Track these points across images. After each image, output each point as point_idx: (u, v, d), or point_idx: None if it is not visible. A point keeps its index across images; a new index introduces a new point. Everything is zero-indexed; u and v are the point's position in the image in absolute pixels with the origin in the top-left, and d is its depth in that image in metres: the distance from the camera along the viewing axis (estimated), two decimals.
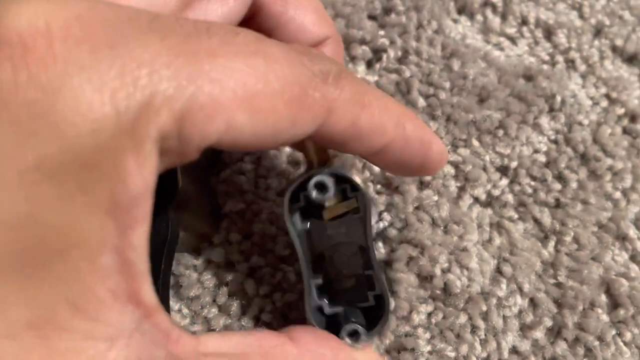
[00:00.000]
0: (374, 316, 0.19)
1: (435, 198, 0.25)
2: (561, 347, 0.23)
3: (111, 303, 0.12)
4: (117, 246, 0.12)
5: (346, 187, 0.19)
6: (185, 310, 0.23)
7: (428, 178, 0.25)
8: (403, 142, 0.18)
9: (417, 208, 0.25)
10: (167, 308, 0.22)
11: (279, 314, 0.23)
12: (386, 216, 0.24)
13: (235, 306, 0.23)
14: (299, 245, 0.20)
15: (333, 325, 0.19)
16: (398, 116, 0.17)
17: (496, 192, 0.25)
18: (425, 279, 0.23)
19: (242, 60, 0.13)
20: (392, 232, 0.24)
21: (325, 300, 0.20)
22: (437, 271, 0.23)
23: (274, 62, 0.14)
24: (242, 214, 0.25)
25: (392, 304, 0.22)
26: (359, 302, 0.20)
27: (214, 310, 0.23)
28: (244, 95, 0.13)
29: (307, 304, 0.19)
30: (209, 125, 0.13)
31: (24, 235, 0.12)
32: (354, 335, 0.19)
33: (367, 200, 0.19)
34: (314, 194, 0.18)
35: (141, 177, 0.12)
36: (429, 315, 0.23)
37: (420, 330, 0.22)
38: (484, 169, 0.26)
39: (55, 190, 0.12)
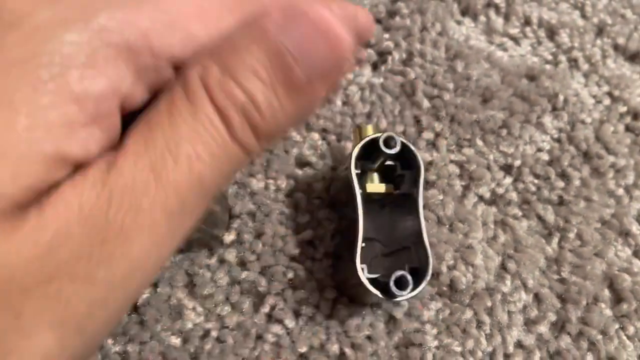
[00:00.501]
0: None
1: (441, 197, 0.25)
2: (565, 341, 0.23)
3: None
4: None
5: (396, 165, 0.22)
6: (199, 308, 0.24)
7: (433, 177, 0.26)
8: None
9: (423, 206, 0.25)
10: None
11: (291, 310, 0.24)
12: None
13: (247, 304, 0.24)
14: (359, 201, 0.21)
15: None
16: None
17: (500, 191, 0.26)
18: (432, 276, 0.24)
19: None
20: None
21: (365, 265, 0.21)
22: (444, 268, 0.23)
23: None
24: (252, 215, 0.25)
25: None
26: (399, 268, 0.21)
27: (227, 307, 0.24)
28: (195, 11, 0.14)
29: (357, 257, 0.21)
30: (172, 36, 0.13)
31: None
32: (400, 282, 0.20)
33: (420, 176, 0.22)
34: (382, 147, 0.21)
35: None
36: (437, 311, 0.23)
37: (428, 326, 0.23)
38: (488, 167, 0.26)
39: None
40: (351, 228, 0.22)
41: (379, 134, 0.22)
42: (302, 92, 0.13)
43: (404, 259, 0.21)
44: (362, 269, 0.21)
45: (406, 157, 0.22)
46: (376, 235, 0.23)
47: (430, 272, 0.20)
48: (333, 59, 0.14)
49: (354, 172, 0.22)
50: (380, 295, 0.20)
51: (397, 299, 0.20)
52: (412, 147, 0.22)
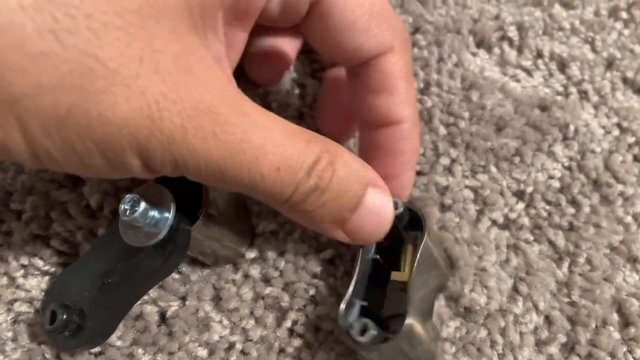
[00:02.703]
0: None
1: (457, 220, 0.27)
2: None
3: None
4: None
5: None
6: (225, 322, 0.25)
7: (449, 201, 0.27)
8: (404, 135, 0.23)
9: (440, 228, 0.26)
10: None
11: (312, 325, 0.25)
12: None
13: (271, 318, 0.25)
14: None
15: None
16: (415, 115, 0.24)
17: (513, 216, 0.27)
18: (452, 299, 0.25)
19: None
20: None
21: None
22: (466, 290, 0.25)
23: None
24: (276, 234, 0.27)
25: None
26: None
27: (252, 321, 0.25)
28: None
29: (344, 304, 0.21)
30: None
31: None
32: (364, 331, 0.20)
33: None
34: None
35: None
36: (455, 329, 0.24)
37: (447, 345, 0.24)
38: (502, 193, 0.28)
39: None
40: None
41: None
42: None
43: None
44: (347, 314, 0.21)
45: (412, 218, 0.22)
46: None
47: (399, 334, 0.20)
48: (377, 234, 0.21)
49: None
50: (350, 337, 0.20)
51: (359, 347, 0.20)
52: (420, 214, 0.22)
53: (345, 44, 0.21)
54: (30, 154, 0.15)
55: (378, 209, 0.20)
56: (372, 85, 0.22)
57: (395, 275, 0.22)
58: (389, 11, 0.21)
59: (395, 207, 0.21)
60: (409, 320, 0.20)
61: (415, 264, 0.21)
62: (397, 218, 0.21)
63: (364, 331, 0.20)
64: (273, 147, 0.17)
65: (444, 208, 0.27)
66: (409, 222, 0.22)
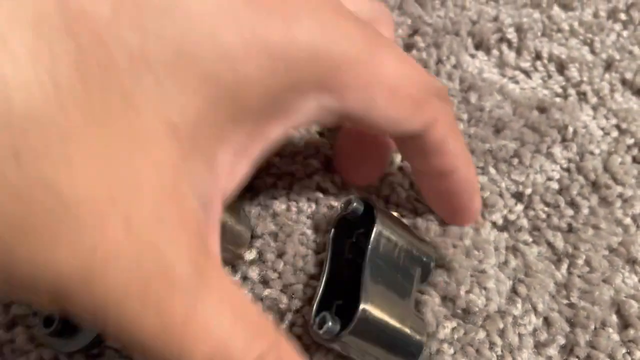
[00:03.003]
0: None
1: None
2: None
3: None
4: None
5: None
6: None
7: None
8: (461, 178, 0.23)
9: (443, 232, 0.26)
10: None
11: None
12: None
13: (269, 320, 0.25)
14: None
15: None
16: (468, 155, 0.23)
17: (512, 217, 0.27)
18: (449, 299, 0.25)
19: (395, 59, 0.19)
20: None
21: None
22: (462, 292, 0.25)
23: (413, 67, 0.19)
24: (275, 235, 0.27)
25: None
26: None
27: None
28: (389, 84, 0.18)
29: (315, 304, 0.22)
30: (362, 96, 0.18)
31: None
32: (322, 322, 0.21)
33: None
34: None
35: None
36: (452, 330, 0.24)
37: (445, 346, 0.24)
38: (500, 195, 0.28)
39: None
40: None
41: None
42: None
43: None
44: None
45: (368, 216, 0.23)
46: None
47: (355, 321, 0.21)
48: None
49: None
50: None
51: (320, 338, 0.21)
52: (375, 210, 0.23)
53: (391, 134, 0.21)
54: None
55: None
56: (421, 152, 0.22)
57: None
58: (422, 81, 0.20)
59: (349, 203, 0.23)
60: (363, 306, 0.21)
61: (368, 252, 0.22)
62: (353, 212, 0.23)
63: (322, 324, 0.21)
64: (214, 334, 0.15)
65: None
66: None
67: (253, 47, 0.15)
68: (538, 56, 0.32)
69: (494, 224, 0.27)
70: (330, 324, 0.21)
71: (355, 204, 0.23)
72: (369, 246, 0.22)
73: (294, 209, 0.27)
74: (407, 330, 0.22)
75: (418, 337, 0.23)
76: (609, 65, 0.32)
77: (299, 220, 0.27)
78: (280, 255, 0.26)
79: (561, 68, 0.32)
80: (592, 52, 0.32)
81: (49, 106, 0.11)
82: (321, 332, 0.21)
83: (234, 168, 0.17)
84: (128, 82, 0.13)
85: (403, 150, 0.24)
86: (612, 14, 0.33)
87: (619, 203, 0.28)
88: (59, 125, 0.11)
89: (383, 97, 0.18)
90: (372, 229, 0.23)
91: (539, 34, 0.33)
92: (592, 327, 0.24)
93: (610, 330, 0.24)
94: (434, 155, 0.22)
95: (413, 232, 0.25)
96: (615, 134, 0.30)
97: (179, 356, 0.14)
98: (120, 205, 0.12)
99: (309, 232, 0.26)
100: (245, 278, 0.26)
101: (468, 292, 0.25)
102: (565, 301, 0.25)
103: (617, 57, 0.32)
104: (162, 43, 0.13)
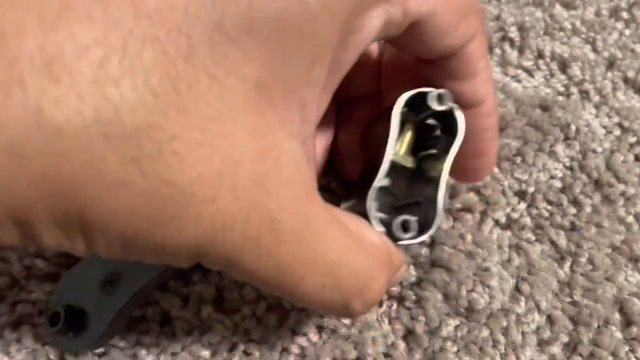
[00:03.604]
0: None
1: (460, 224, 0.27)
2: None
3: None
4: None
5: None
6: (227, 322, 0.25)
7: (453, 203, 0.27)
8: (488, 111, 0.23)
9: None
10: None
11: (314, 325, 0.25)
12: None
13: (273, 319, 0.25)
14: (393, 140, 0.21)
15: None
16: (494, 85, 0.23)
17: (515, 215, 0.27)
18: (450, 297, 0.25)
19: None
20: (422, 250, 0.26)
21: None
22: (463, 291, 0.25)
23: None
24: None
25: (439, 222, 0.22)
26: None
27: (254, 322, 0.25)
28: None
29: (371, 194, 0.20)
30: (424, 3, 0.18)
31: None
32: (405, 225, 0.20)
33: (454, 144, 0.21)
34: (433, 104, 0.20)
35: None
36: (456, 328, 0.24)
37: (449, 344, 0.24)
38: (504, 193, 0.28)
39: None
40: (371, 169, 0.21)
41: (430, 89, 0.20)
42: None
43: (413, 212, 0.21)
44: (372, 205, 0.20)
45: (447, 121, 0.21)
46: (392, 186, 0.22)
47: (436, 224, 0.20)
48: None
49: (396, 118, 0.20)
50: (385, 230, 0.20)
51: (400, 242, 0.20)
52: (457, 113, 0.21)
53: (435, 49, 0.21)
54: (88, 254, 0.15)
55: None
56: (455, 73, 0.22)
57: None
58: None
59: (441, 100, 0.20)
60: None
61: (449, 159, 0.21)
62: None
63: (405, 229, 0.20)
64: (324, 265, 0.17)
65: (447, 211, 0.27)
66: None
67: None
68: (540, 55, 0.32)
69: (497, 222, 0.27)
70: (416, 232, 0.20)
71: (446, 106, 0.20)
72: (446, 165, 0.21)
73: None
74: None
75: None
76: (611, 64, 0.32)
77: None
78: None
79: (563, 67, 0.32)
80: (595, 50, 0.32)
81: (152, 115, 0.13)
82: (406, 236, 0.20)
83: (320, 102, 0.18)
84: (208, 58, 0.14)
85: (432, 78, 0.22)
86: (614, 13, 0.33)
87: (621, 201, 0.28)
88: (163, 128, 0.13)
89: (440, 2, 0.19)
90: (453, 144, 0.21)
91: (541, 32, 0.33)
92: (595, 325, 0.25)
93: (613, 328, 0.25)
94: (465, 77, 0.21)
95: None
96: (617, 132, 0.30)
97: (293, 289, 0.17)
98: (225, 178, 0.14)
99: None
100: None
101: (469, 291, 0.25)
102: (568, 299, 0.25)
103: (620, 55, 0.32)
104: (232, 6, 0.14)
